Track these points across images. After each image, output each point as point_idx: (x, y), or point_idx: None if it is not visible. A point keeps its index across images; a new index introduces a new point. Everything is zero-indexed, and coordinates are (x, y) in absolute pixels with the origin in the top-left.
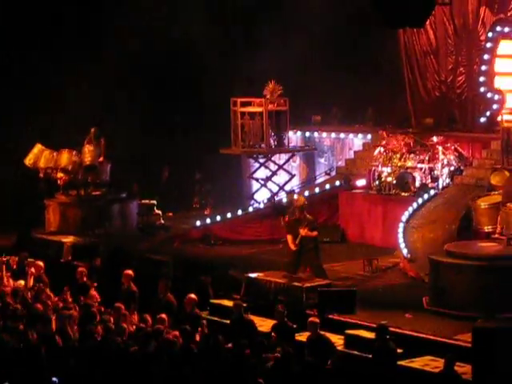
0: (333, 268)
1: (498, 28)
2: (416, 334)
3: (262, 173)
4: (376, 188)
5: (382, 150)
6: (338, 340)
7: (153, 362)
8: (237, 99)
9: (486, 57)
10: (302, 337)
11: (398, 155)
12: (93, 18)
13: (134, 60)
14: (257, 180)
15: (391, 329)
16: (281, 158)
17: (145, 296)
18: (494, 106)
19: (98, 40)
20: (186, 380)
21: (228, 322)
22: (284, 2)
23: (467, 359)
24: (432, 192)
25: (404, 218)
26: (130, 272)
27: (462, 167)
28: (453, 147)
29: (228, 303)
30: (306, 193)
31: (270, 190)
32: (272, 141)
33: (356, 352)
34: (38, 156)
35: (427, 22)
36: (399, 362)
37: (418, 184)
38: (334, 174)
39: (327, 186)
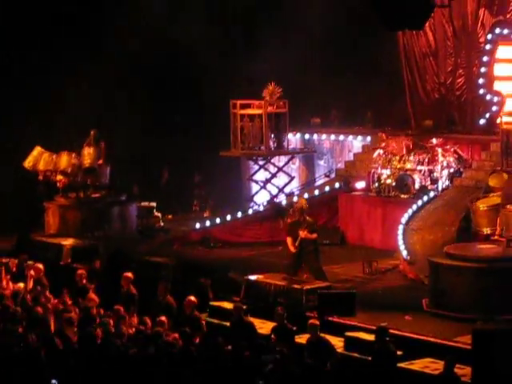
0: (332, 270)
1: (498, 30)
2: (416, 336)
3: (261, 175)
4: (375, 190)
5: (382, 152)
6: (337, 342)
7: (152, 365)
8: (236, 101)
9: (485, 59)
10: (302, 339)
11: (398, 157)
12: (93, 18)
13: (133, 60)
14: (256, 182)
15: (391, 331)
16: (280, 160)
17: (144, 298)
18: (494, 108)
19: (98, 40)
20: (186, 382)
21: (228, 324)
22: (283, 4)
23: (467, 361)
24: (431, 194)
25: (403, 220)
26: (129, 274)
27: (461, 169)
28: (452, 149)
29: (228, 305)
30: (306, 195)
31: (270, 193)
32: (271, 143)
33: (356, 354)
34: (38, 158)
35: (426, 24)
36: (399, 364)
37: (417, 186)
38: (333, 176)
39: (327, 189)
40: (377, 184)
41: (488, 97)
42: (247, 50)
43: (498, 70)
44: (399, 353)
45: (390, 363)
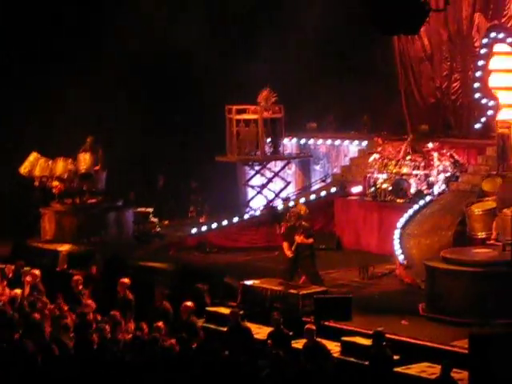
0: (329, 275)
1: (493, 34)
2: (412, 341)
3: (257, 180)
4: (372, 195)
5: (378, 156)
6: (334, 347)
7: (149, 370)
8: (232, 106)
9: (480, 63)
10: (299, 344)
11: (394, 162)
12: (93, 18)
13: (133, 60)
14: (252, 187)
15: (387, 335)
16: (276, 166)
17: (141, 304)
18: (489, 112)
19: (98, 40)
20: None
21: (224, 329)
22: (283, 5)
23: (464, 365)
24: (428, 198)
25: (400, 224)
26: (125, 280)
27: (457, 173)
28: (448, 153)
29: (224, 311)
30: (302, 200)
31: (266, 198)
32: (267, 148)
33: (352, 359)
34: (34, 164)
35: (422, 29)
36: (396, 369)
37: (413, 190)
38: (329, 180)
39: (323, 193)
40: (373, 189)
41: (483, 101)
42: (244, 53)
43: (494, 80)
44: (396, 357)
45: (386, 368)
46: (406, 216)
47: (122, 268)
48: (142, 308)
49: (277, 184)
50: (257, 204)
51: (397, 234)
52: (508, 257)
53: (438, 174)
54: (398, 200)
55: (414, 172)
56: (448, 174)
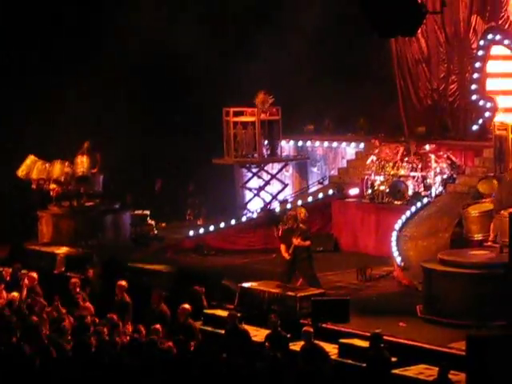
0: (326, 277)
1: (490, 36)
2: (410, 343)
3: (254, 182)
4: (369, 197)
5: (375, 158)
6: (332, 349)
7: (147, 373)
8: (229, 109)
9: (477, 65)
10: (296, 346)
11: (391, 164)
12: (93, 18)
13: (133, 60)
14: (250, 190)
15: (385, 337)
16: (274, 168)
17: (138, 307)
18: (486, 114)
19: (98, 40)
20: None
21: (222, 332)
22: (282, 6)
23: (461, 367)
24: (425, 200)
25: (397, 226)
26: (123, 283)
27: (454, 175)
28: (445, 155)
29: (222, 313)
30: (299, 202)
31: (263, 200)
32: (265, 150)
33: (350, 361)
34: (31, 167)
35: (419, 31)
36: (393, 371)
37: (410, 192)
38: (326, 182)
39: (320, 195)
40: (370, 190)
41: (481, 103)
42: (242, 55)
43: (491, 84)
44: (393, 359)
45: (384, 370)
46: (403, 218)
47: (119, 270)
48: (140, 310)
49: (274, 186)
50: (254, 206)
51: (394, 235)
52: (505, 259)
53: (435, 175)
54: (396, 202)
55: (412, 174)
56: (445, 176)
